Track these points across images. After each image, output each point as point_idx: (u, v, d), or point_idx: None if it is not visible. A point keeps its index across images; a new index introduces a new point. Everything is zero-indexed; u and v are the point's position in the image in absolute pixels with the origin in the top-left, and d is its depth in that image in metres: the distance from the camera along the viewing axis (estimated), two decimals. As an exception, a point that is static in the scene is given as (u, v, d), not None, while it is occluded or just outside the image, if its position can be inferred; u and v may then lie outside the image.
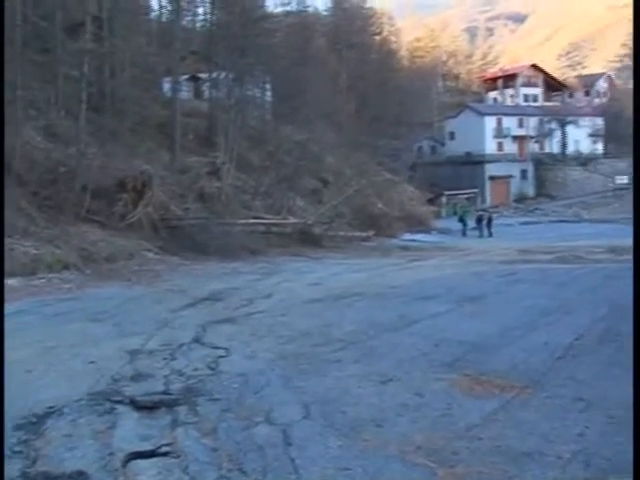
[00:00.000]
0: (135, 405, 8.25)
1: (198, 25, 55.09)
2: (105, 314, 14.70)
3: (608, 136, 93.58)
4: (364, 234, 37.97)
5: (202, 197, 33.24)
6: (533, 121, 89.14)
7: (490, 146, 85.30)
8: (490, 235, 50.94)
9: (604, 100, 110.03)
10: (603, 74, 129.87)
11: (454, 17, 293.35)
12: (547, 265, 26.43)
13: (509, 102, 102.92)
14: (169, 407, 8.20)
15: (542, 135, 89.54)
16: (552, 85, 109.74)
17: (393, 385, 9.25)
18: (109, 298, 17.09)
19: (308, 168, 43.40)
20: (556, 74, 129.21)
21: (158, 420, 7.82)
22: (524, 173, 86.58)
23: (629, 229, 46.19)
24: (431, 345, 11.60)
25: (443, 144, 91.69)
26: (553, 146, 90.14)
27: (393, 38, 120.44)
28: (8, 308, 13.57)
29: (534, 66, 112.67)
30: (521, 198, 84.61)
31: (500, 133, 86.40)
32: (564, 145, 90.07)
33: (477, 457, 6.79)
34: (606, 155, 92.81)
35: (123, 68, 37.11)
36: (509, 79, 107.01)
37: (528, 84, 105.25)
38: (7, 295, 14.92)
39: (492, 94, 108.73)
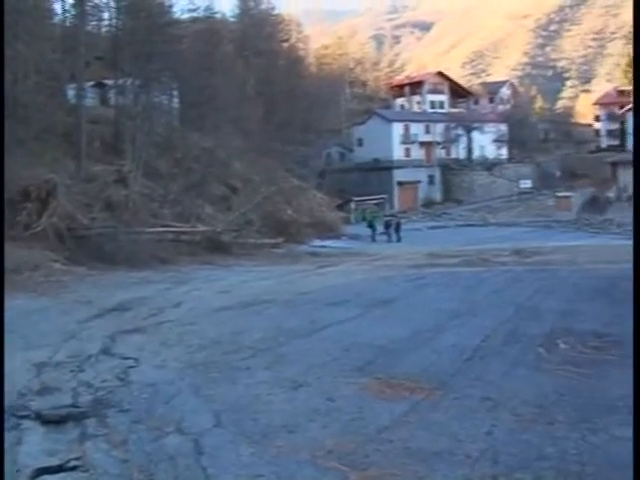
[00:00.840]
0: (42, 419, 8.08)
1: (103, 30, 54.17)
2: (10, 326, 14.32)
3: (512, 142, 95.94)
4: (273, 241, 37.93)
5: (109, 206, 32.64)
6: (439, 127, 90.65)
7: (398, 152, 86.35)
8: (399, 240, 51.45)
9: (508, 107, 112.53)
10: (506, 81, 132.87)
11: (361, 25, 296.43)
12: (455, 269, 26.86)
13: (416, 109, 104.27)
14: (77, 420, 8.07)
15: (448, 141, 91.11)
16: (457, 92, 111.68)
17: (304, 391, 9.30)
18: (14, 310, 16.67)
19: (216, 175, 43.14)
20: (461, 81, 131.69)
21: (66, 434, 7.68)
22: (431, 178, 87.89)
23: (533, 232, 47.77)
24: (342, 350, 11.70)
25: (351, 150, 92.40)
26: (459, 152, 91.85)
27: (301, 45, 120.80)
28: None
29: (440, 73, 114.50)
30: (429, 203, 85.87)
31: (407, 139, 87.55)
32: (470, 150, 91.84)
33: (388, 459, 6.89)
34: (510, 160, 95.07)
35: (27, 74, 36.24)
36: (416, 86, 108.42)
37: (434, 91, 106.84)
38: None
39: (399, 101, 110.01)
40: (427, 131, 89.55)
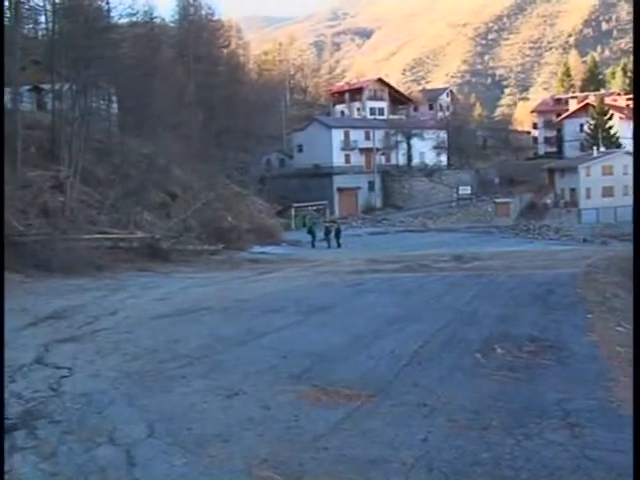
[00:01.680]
0: (-32, 433, 7.85)
1: (40, 34, 53.34)
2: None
3: (451, 148, 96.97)
4: (213, 247, 37.73)
5: (45, 212, 32.13)
6: (379, 134, 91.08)
7: (338, 158, 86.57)
8: (339, 246, 51.64)
9: (447, 114, 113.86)
10: (446, 89, 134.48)
11: (302, 31, 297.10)
12: (394, 274, 26.98)
13: (356, 115, 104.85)
14: (6, 432, 7.85)
15: (388, 147, 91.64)
16: (397, 99, 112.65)
17: (240, 399, 9.20)
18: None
19: (155, 181, 42.72)
20: (401, 88, 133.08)
21: (-7, 447, 7.47)
22: (371, 184, 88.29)
23: (472, 238, 48.34)
24: (279, 357, 11.62)
25: (291, 157, 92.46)
26: (399, 158, 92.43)
27: (241, 51, 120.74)
28: None
29: (380, 80, 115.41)
30: (369, 209, 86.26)
31: (347, 146, 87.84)
32: (409, 157, 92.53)
33: (323, 467, 6.83)
34: (450, 166, 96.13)
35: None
36: (356, 93, 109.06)
37: (374, 98, 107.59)
38: None
39: (339, 107, 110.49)
40: (367, 137, 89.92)
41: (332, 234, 53.46)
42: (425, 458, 7.06)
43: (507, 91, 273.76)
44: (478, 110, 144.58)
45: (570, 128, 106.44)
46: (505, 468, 6.84)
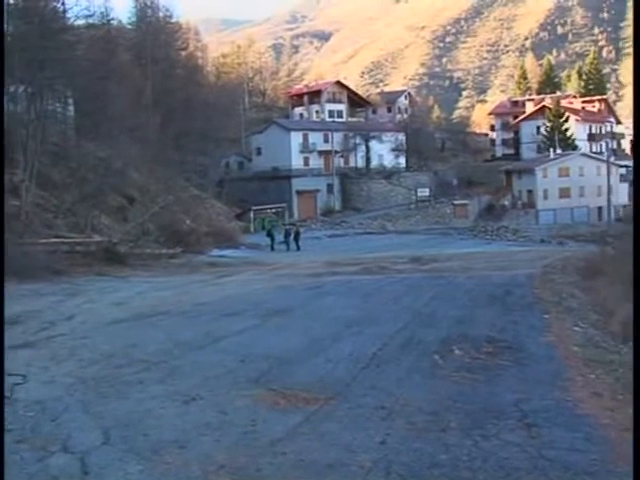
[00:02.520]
0: None
1: (-7, 35, 52.55)
2: None
3: (410, 150, 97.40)
4: (171, 251, 37.47)
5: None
6: (338, 136, 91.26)
7: (297, 161, 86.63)
8: (298, 249, 51.64)
9: (405, 116, 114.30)
10: (404, 91, 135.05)
11: (260, 34, 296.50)
12: (353, 277, 27.00)
13: (315, 118, 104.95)
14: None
15: (347, 150, 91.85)
16: (356, 101, 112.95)
17: (197, 404, 9.11)
18: None
19: (113, 185, 42.35)
20: (360, 91, 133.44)
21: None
22: (330, 187, 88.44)
23: (431, 240, 48.64)
24: (237, 361, 11.53)
25: (250, 159, 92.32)
26: (358, 160, 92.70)
27: (199, 53, 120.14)
28: None
29: (338, 83, 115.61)
30: (328, 211, 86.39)
31: (306, 148, 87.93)
32: (368, 159, 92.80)
33: (281, 472, 6.78)
34: (408, 169, 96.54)
35: None
36: (314, 95, 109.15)
37: (333, 100, 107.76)
38: None
39: (298, 110, 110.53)
40: (326, 140, 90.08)
41: (291, 237, 53.46)
42: (383, 461, 7.04)
43: (465, 94, 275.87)
44: (436, 112, 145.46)
45: (527, 130, 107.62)
46: (463, 470, 6.84)
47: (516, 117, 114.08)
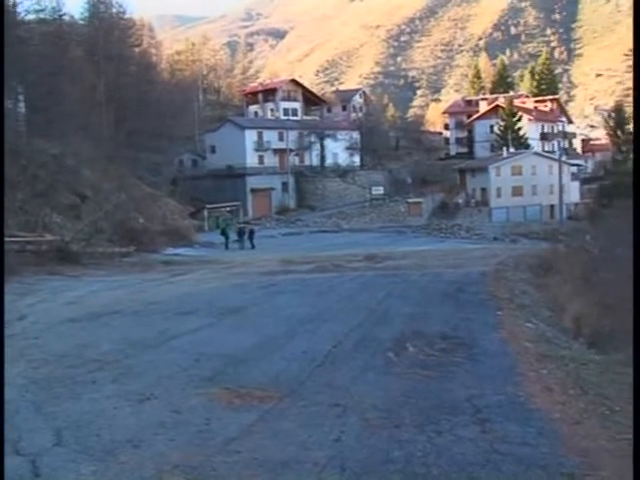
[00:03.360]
0: None
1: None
2: None
3: (364, 149, 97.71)
4: (125, 250, 37.11)
5: (-52, 215, 31.12)
6: (293, 134, 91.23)
7: (251, 159, 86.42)
8: (252, 247, 51.55)
9: (360, 115, 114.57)
10: (359, 90, 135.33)
11: (215, 31, 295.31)
12: (307, 275, 27.01)
13: (270, 116, 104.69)
14: None
15: (302, 148, 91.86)
16: (311, 100, 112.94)
17: (151, 404, 9.05)
18: None
19: (65, 183, 41.80)
20: (315, 89, 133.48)
21: None
22: (285, 185, 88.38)
23: (386, 237, 48.78)
24: (191, 360, 11.48)
25: (204, 158, 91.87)
26: (312, 159, 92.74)
27: (153, 50, 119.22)
28: None
29: (293, 81, 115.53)
30: (283, 210, 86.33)
31: (261, 146, 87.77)
32: (323, 158, 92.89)
33: (235, 471, 6.77)
34: (363, 167, 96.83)
35: None
36: (269, 93, 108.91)
37: (288, 98, 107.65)
38: None
39: (253, 108, 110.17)
40: (281, 138, 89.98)
41: (245, 235, 53.32)
42: (338, 458, 7.06)
43: (419, 92, 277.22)
44: (391, 111, 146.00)
45: (480, 129, 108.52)
46: (417, 465, 6.89)
47: (470, 116, 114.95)
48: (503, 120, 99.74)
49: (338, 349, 12.48)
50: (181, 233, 51.09)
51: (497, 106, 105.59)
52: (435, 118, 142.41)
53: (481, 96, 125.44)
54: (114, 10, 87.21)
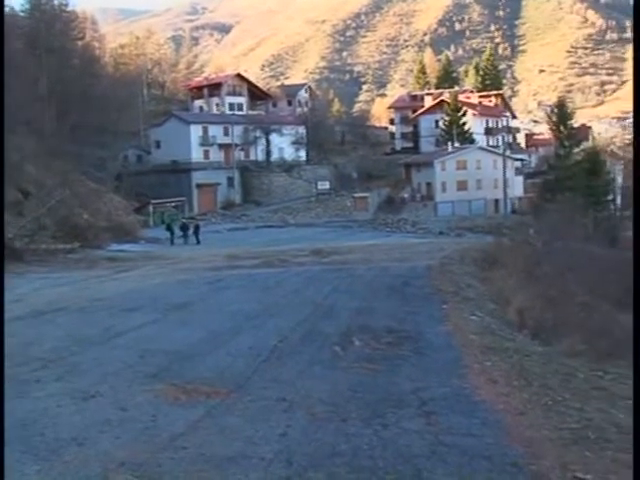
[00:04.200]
0: None
1: None
2: None
3: (310, 144, 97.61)
4: (69, 246, 36.70)
5: None
6: (238, 129, 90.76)
7: (196, 154, 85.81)
8: (198, 242, 51.30)
9: (306, 109, 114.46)
10: (304, 85, 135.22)
11: (159, 25, 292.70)
12: (253, 270, 26.99)
13: (215, 111, 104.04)
14: None
15: (247, 143, 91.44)
16: (256, 94, 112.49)
17: (96, 401, 8.97)
18: None
19: (7, 178, 41.09)
20: (260, 84, 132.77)
21: None
22: (230, 180, 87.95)
23: (332, 232, 48.85)
24: (136, 357, 11.41)
25: (149, 153, 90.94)
26: (258, 154, 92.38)
27: (97, 44, 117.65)
28: None
29: (239, 75, 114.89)
30: (228, 205, 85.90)
31: (206, 141, 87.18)
32: (268, 153, 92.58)
33: (182, 467, 6.74)
34: (309, 162, 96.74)
35: None
36: (214, 88, 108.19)
37: (233, 93, 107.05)
38: None
39: (198, 102, 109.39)
40: (226, 133, 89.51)
41: (191, 230, 53.05)
42: (284, 452, 7.07)
43: (365, 87, 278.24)
44: (336, 106, 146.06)
45: (426, 124, 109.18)
46: (363, 458, 6.94)
47: (415, 111, 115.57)
48: (448, 115, 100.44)
49: (284, 344, 12.51)
50: (126, 229, 50.66)
51: (442, 101, 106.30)
52: (381, 113, 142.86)
53: (426, 91, 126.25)
54: (56, 2, 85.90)
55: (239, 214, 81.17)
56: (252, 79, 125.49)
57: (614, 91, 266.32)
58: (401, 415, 8.27)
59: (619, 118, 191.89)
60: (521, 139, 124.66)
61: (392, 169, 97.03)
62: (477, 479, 6.49)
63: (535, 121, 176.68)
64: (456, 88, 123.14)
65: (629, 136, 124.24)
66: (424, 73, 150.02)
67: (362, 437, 7.52)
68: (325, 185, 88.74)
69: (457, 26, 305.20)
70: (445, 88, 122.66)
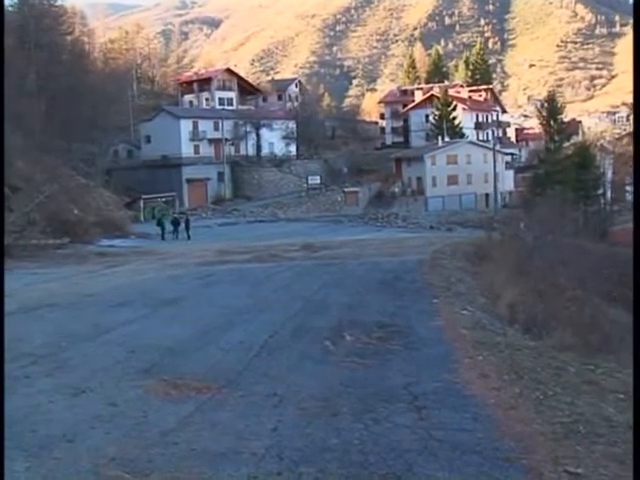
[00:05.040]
0: None
1: None
2: None
3: (300, 138, 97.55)
4: (58, 241, 36.56)
5: None
6: (228, 124, 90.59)
7: (187, 149, 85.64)
8: (188, 237, 51.25)
9: (296, 104, 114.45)
10: (294, 79, 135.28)
11: (149, 19, 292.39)
12: (244, 265, 26.98)
13: (205, 105, 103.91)
14: None
15: (237, 138, 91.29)
16: (246, 89, 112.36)
17: (86, 397, 8.94)
18: None
19: (-5, 174, 41.01)
20: (250, 78, 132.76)
21: None
22: (221, 175, 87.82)
23: (322, 227, 48.84)
24: (127, 352, 11.38)
25: (139, 148, 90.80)
26: (248, 148, 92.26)
27: (86, 39, 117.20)
28: None
29: (228, 70, 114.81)
30: (219, 200, 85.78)
31: (196, 136, 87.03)
32: (259, 147, 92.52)
33: (173, 463, 6.72)
34: (299, 157, 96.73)
35: None
36: (204, 83, 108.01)
37: (223, 88, 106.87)
38: None
39: (188, 97, 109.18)
40: (216, 128, 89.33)
41: (180, 226, 53.01)
42: (276, 447, 7.06)
43: (355, 82, 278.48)
44: (327, 101, 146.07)
45: (416, 119, 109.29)
46: (354, 453, 6.92)
47: (405, 106, 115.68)
48: (438, 109, 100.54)
49: (275, 339, 12.49)
50: (116, 224, 50.52)
51: (432, 95, 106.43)
52: (371, 107, 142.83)
53: (416, 86, 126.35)
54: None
55: (230, 209, 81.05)
56: (242, 74, 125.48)
57: (604, 85, 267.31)
58: (392, 410, 8.26)
59: (609, 112, 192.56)
60: (511, 133, 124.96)
61: (382, 164, 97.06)
62: (469, 474, 6.48)
63: (525, 115, 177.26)
64: (446, 82, 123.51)
65: (618, 130, 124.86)
66: (414, 68, 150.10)
67: (353, 432, 7.50)
68: (316, 180, 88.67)
69: (447, 20, 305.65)
70: (435, 82, 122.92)
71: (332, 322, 14.07)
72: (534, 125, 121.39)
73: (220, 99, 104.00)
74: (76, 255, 33.99)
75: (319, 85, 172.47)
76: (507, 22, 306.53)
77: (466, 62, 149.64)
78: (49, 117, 63.75)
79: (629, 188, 68.78)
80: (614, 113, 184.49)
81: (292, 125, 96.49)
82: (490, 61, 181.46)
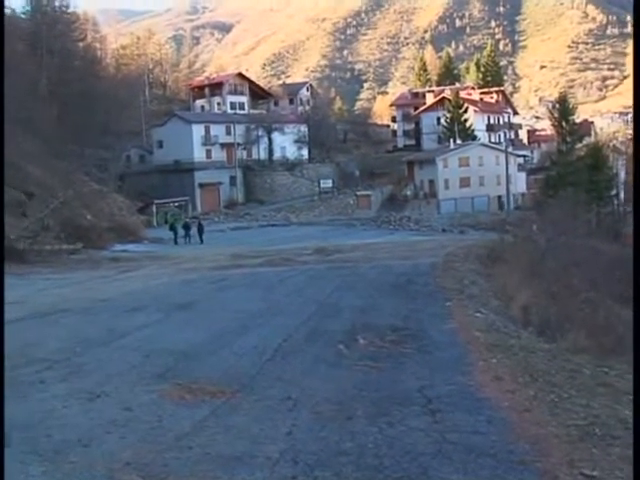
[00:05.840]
0: None
1: None
2: None
3: (312, 142, 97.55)
4: (72, 247, 36.70)
5: None
6: (240, 128, 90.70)
7: (199, 154, 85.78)
8: (201, 242, 51.33)
9: (307, 108, 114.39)
10: (305, 83, 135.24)
11: (160, 25, 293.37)
12: (257, 269, 27.00)
13: (216, 110, 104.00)
14: None
15: (249, 142, 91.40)
16: (258, 93, 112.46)
17: (101, 402, 8.95)
18: None
19: (9, 179, 41.12)
20: (261, 83, 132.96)
21: None
22: (233, 179, 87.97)
23: (335, 230, 48.87)
24: (141, 357, 11.39)
25: (152, 153, 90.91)
26: (260, 153, 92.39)
27: (98, 45, 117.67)
28: None
29: (240, 75, 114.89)
30: (231, 204, 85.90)
31: (208, 141, 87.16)
32: (271, 151, 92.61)
33: (188, 467, 6.72)
34: (311, 160, 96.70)
35: None
36: (216, 87, 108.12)
37: (234, 92, 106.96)
38: None
39: (200, 102, 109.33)
40: (228, 132, 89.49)
41: (193, 230, 53.11)
42: (290, 451, 7.05)
43: (366, 85, 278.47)
44: (338, 104, 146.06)
45: (427, 121, 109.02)
46: (369, 456, 6.91)
47: (417, 108, 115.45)
48: (449, 112, 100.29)
49: (289, 343, 12.48)
50: (129, 229, 50.68)
51: (443, 98, 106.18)
52: (382, 111, 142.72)
53: (427, 88, 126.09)
54: (57, 4, 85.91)
55: (242, 213, 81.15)
56: (253, 78, 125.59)
57: (616, 86, 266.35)
58: (406, 413, 8.25)
59: (621, 113, 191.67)
60: (523, 135, 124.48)
61: (394, 167, 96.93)
62: (483, 477, 6.47)
63: (537, 117, 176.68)
64: (457, 85, 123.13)
65: (631, 131, 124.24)
66: (425, 70, 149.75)
67: (368, 435, 7.49)
68: (328, 183, 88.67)
69: (457, 23, 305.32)
70: (446, 85, 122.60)
71: (345, 326, 14.07)
72: (546, 127, 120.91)
73: (232, 103, 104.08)
74: (89, 260, 34.11)
75: (330, 89, 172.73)
76: (518, 24, 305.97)
77: (477, 64, 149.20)
78: (62, 123, 64.02)
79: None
80: (626, 114, 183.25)
81: (304, 129, 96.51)
82: (501, 63, 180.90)
